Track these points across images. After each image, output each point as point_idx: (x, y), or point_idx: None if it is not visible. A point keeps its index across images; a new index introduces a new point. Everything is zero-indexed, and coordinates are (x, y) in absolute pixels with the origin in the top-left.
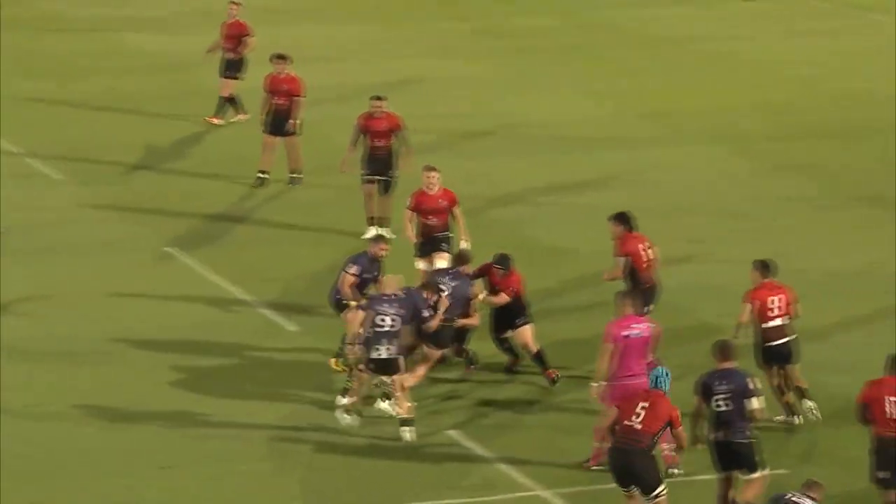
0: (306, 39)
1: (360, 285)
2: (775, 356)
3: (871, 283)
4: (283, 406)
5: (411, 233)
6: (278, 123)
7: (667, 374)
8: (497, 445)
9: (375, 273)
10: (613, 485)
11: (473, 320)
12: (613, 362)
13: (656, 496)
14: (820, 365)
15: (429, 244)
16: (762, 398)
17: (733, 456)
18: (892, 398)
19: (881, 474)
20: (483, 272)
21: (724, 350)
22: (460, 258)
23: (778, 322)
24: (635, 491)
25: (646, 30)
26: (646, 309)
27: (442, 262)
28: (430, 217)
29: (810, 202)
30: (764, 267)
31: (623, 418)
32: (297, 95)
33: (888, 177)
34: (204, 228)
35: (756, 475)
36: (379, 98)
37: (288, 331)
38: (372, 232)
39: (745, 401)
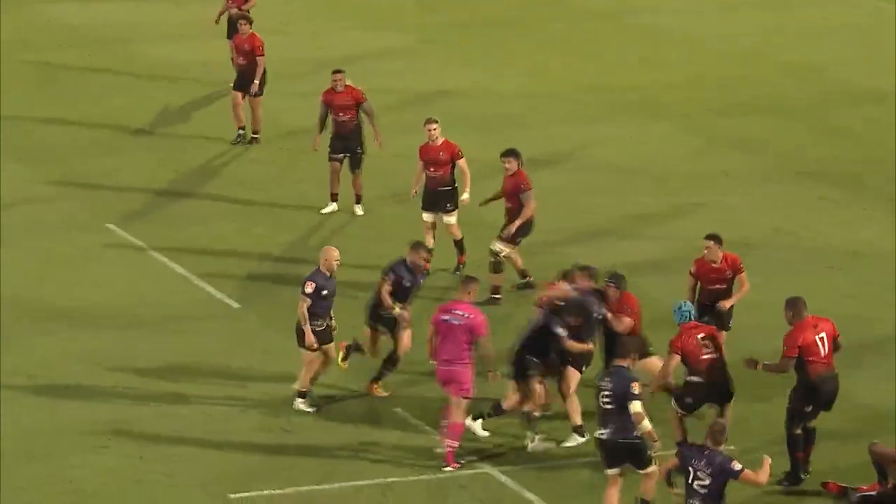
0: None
1: (401, 293)
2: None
3: (812, 257)
4: (225, 383)
5: (415, 186)
6: (242, 82)
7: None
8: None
9: (417, 281)
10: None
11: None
12: (432, 344)
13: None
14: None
15: (433, 197)
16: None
17: (617, 454)
18: (819, 335)
19: (808, 408)
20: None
21: (622, 348)
22: (588, 274)
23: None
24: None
25: (585, 4)
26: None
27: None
28: (431, 168)
29: (752, 177)
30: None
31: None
32: (258, 55)
33: (830, 150)
34: (146, 204)
35: (648, 470)
36: (339, 71)
37: (229, 306)
38: (332, 207)
39: (628, 403)
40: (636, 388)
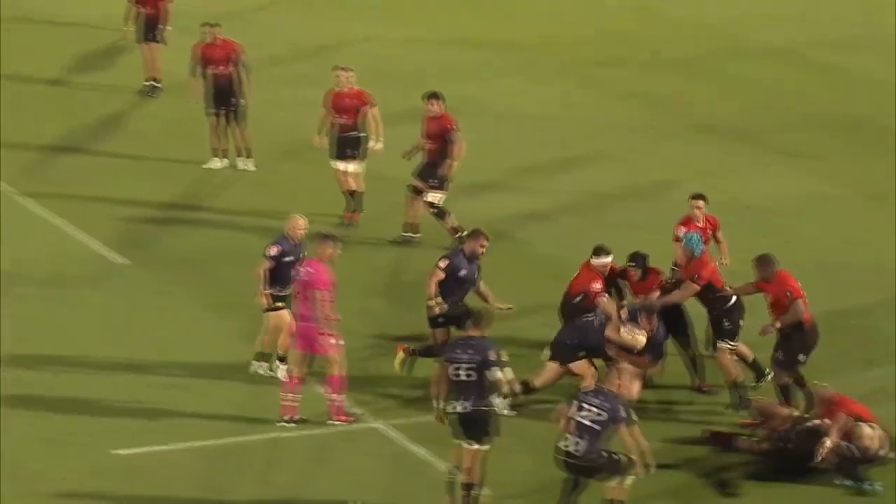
0: None
1: (455, 285)
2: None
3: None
4: (119, 341)
5: (318, 134)
6: (146, 29)
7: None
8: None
9: (473, 273)
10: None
11: None
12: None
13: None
14: None
15: (342, 144)
16: (508, 369)
17: (467, 424)
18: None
19: (802, 357)
20: (617, 276)
21: (476, 319)
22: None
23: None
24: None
25: None
26: None
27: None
28: (339, 115)
29: (648, 130)
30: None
31: None
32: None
33: (726, 105)
34: (33, 158)
35: (480, 447)
36: (212, 25)
37: (117, 263)
38: (216, 164)
39: (487, 371)
40: (494, 356)
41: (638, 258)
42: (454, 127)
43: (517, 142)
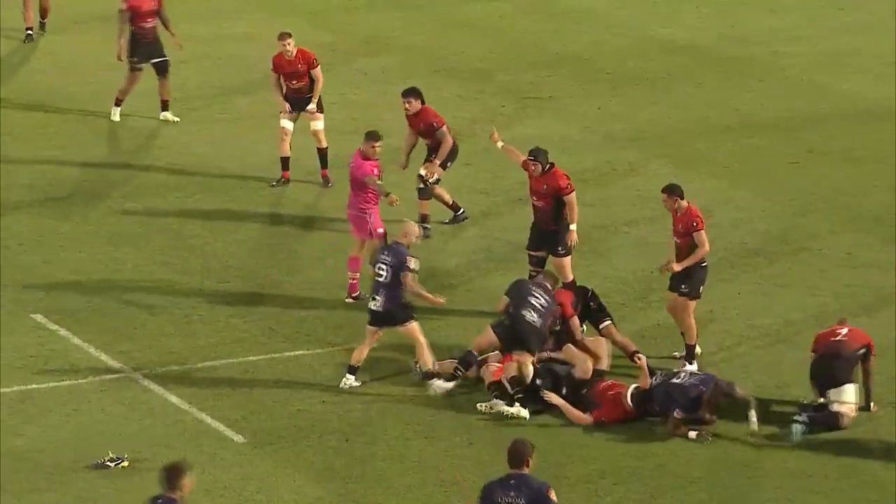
0: None
1: None
2: (699, 280)
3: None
4: None
5: (278, 96)
6: None
7: None
8: (85, 331)
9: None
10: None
11: None
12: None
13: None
14: None
15: (297, 102)
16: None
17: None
18: None
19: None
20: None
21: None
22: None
23: None
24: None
25: None
26: None
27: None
28: (293, 81)
29: (383, 74)
30: (677, 190)
31: None
32: None
33: (458, 46)
34: None
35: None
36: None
37: None
38: (117, 115)
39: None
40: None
41: (538, 152)
42: (439, 123)
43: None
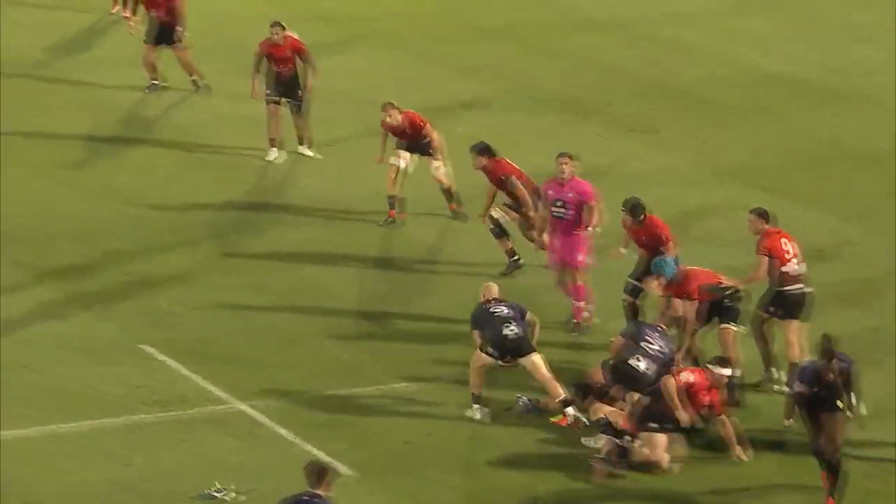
0: None
1: None
2: (788, 303)
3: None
4: None
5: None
6: (159, 33)
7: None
8: (192, 361)
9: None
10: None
11: None
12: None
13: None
14: None
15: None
16: None
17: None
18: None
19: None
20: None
21: None
22: None
23: (795, 267)
24: None
25: None
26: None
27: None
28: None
29: (485, 104)
30: (764, 215)
31: None
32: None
33: (560, 76)
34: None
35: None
36: (280, 25)
37: None
38: (273, 154)
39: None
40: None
41: (627, 203)
42: (513, 172)
43: (360, 118)
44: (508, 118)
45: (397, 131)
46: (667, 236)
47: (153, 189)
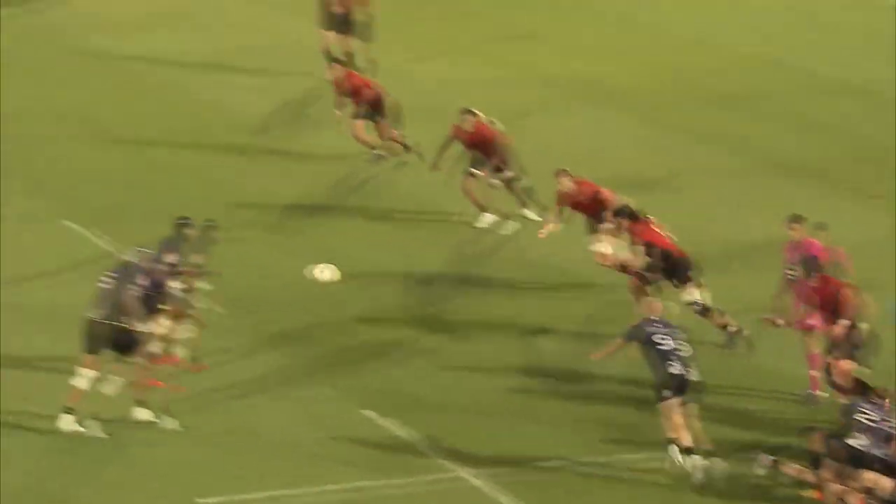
0: None
1: None
2: None
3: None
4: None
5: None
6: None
7: None
8: (414, 425)
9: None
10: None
11: None
12: None
13: None
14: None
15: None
16: None
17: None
18: None
19: None
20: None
21: None
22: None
23: None
24: None
25: None
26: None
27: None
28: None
29: (720, 172)
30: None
31: None
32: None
33: (799, 145)
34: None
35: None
36: (470, 112)
37: None
38: (484, 221)
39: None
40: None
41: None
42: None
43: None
44: (744, 185)
45: (572, 200)
46: None
47: (369, 254)
